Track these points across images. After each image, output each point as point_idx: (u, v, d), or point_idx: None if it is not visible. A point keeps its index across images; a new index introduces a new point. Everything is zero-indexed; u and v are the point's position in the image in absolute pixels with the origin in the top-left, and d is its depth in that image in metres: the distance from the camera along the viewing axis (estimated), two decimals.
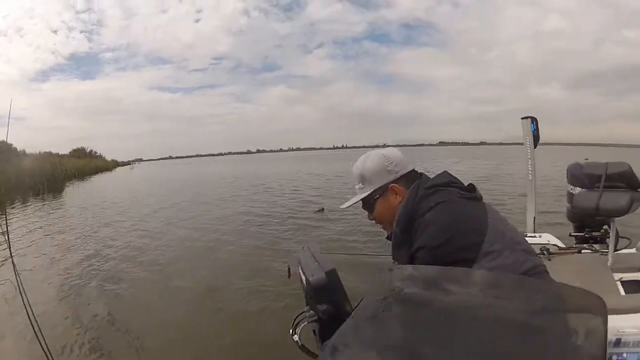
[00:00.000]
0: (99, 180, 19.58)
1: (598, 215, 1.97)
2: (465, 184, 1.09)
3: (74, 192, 14.37)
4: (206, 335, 3.33)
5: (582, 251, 2.10)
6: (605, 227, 2.26)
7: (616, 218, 1.94)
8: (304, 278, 0.90)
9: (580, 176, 2.10)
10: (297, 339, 0.97)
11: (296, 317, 1.00)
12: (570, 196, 2.21)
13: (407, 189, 1.09)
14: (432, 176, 1.13)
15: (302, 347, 0.99)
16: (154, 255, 5.95)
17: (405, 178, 1.14)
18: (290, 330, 0.99)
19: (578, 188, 2.15)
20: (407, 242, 1.00)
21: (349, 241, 6.17)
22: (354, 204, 1.22)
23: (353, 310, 0.83)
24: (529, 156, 2.97)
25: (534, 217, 2.86)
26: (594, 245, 2.21)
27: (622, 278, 1.72)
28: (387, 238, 1.15)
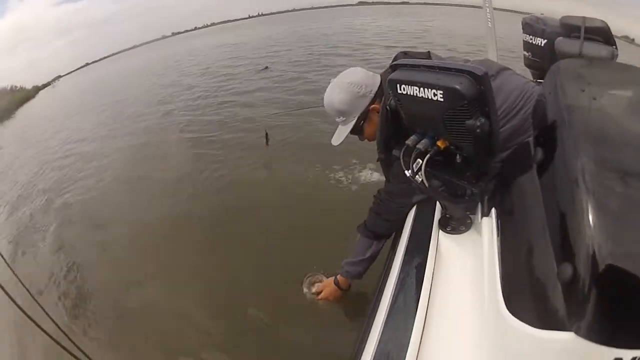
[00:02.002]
0: (23, 111, 17.07)
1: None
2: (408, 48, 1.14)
3: (4, 132, 11.72)
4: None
5: None
6: None
7: None
8: (428, 93, 0.72)
9: (542, 27, 2.15)
10: (420, 179, 0.82)
11: (402, 153, 0.84)
12: (528, 45, 2.28)
13: None
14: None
15: (433, 188, 0.87)
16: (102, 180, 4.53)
17: (379, 93, 1.16)
18: (407, 172, 0.83)
19: (539, 38, 2.21)
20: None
21: (312, 95, 5.56)
22: (345, 138, 1.25)
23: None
24: (487, 2, 2.86)
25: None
26: None
27: None
28: (378, 161, 1.19)
